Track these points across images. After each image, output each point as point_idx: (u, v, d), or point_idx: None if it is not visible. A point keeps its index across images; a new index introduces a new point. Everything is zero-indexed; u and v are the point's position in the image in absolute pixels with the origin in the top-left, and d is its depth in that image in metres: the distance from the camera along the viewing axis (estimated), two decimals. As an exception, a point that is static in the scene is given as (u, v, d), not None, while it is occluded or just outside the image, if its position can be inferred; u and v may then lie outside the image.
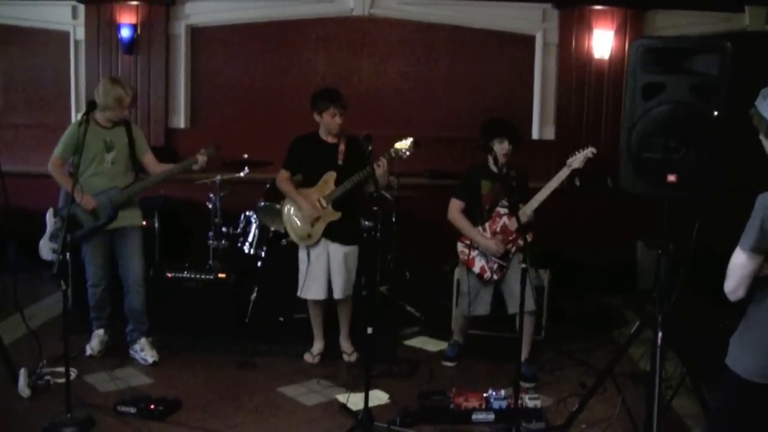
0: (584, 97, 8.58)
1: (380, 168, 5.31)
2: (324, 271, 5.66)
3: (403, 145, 5.47)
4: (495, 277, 5.50)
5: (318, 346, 5.89)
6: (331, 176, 5.60)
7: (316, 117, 5.59)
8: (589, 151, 5.30)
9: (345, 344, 5.92)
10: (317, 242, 5.64)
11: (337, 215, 5.58)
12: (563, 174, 5.35)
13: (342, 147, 5.62)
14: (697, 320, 5.05)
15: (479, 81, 8.83)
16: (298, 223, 5.68)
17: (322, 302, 5.78)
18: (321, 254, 5.66)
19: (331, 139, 5.64)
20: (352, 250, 5.71)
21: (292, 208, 5.71)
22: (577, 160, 5.32)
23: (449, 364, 5.86)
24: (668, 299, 4.12)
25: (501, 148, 5.40)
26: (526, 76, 8.79)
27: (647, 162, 3.91)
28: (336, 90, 5.66)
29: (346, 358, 5.86)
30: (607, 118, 8.50)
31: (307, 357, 5.82)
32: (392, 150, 5.46)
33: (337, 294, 5.70)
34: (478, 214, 5.58)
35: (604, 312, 7.39)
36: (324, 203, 5.57)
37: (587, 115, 8.59)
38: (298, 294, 5.76)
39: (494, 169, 5.48)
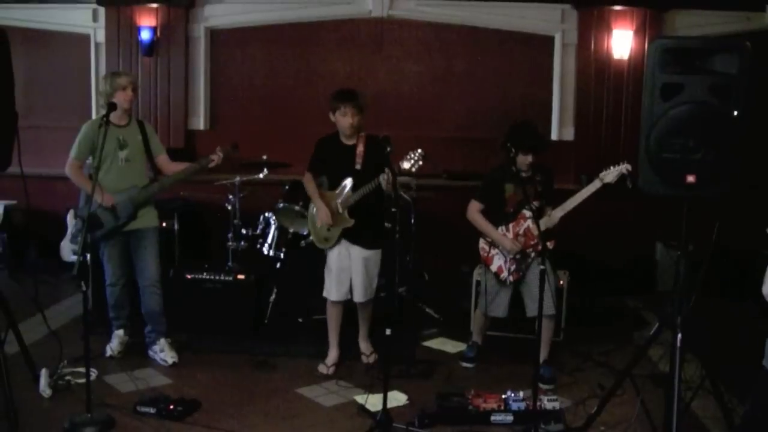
0: (603, 97, 8.54)
1: (385, 181, 5.21)
2: (345, 273, 5.64)
3: (411, 159, 5.14)
4: (511, 278, 5.48)
5: (332, 356, 5.74)
6: (349, 182, 5.56)
7: (332, 117, 5.52)
8: (623, 167, 5.13)
9: (363, 345, 5.90)
10: (337, 244, 5.61)
11: (350, 222, 5.51)
12: (593, 187, 5.22)
13: (360, 149, 5.54)
14: (717, 321, 5.02)
15: (498, 82, 8.81)
16: (318, 226, 5.68)
17: (340, 305, 5.73)
18: (341, 256, 5.63)
19: (349, 141, 5.58)
20: (374, 254, 5.63)
21: (315, 210, 5.72)
22: (610, 174, 5.17)
23: (468, 365, 5.85)
24: (687, 300, 4.09)
25: (524, 159, 5.36)
26: (544, 76, 8.76)
27: (666, 162, 3.88)
28: (351, 90, 5.60)
29: (364, 359, 5.84)
30: (627, 118, 8.45)
31: (321, 368, 5.66)
32: (398, 167, 5.14)
33: (357, 297, 5.67)
34: (501, 216, 5.53)
35: (623, 313, 7.36)
36: (340, 209, 5.55)
37: (606, 116, 8.55)
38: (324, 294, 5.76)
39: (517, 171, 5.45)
